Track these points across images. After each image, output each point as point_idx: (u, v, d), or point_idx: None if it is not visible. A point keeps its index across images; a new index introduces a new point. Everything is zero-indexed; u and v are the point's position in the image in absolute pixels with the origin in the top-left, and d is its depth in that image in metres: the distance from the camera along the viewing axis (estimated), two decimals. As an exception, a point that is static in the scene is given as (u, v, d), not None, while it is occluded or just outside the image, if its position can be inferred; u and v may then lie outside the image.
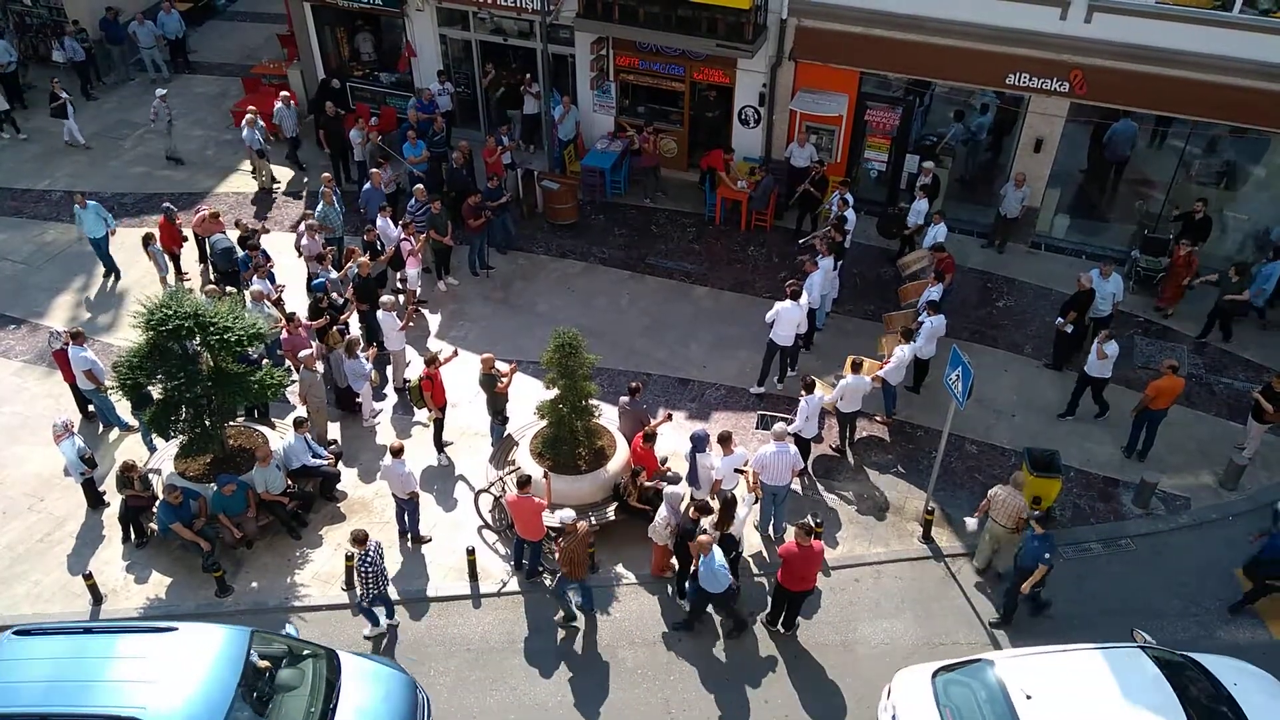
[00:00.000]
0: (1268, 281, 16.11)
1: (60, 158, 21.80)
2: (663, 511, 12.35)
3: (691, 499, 12.66)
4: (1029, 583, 11.84)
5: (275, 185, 20.78)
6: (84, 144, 21.97)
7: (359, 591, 12.12)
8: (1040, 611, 12.57)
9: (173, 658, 10.27)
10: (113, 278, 18.24)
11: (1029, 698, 10.11)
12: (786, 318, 14.92)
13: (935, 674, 10.87)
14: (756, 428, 15.13)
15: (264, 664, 10.55)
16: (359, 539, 11.84)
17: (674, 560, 12.69)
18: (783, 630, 12.47)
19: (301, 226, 17.19)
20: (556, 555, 12.22)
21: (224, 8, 28.04)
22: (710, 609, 12.43)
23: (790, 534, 11.74)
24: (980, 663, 10.82)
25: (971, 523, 13.35)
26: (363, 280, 15.88)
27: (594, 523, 13.18)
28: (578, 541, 11.85)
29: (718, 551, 11.58)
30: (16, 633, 10.74)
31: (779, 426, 13.12)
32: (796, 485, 14.31)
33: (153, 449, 14.57)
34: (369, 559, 11.76)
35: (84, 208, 17.56)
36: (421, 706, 11.13)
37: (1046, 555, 11.67)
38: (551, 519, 12.58)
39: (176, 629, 10.73)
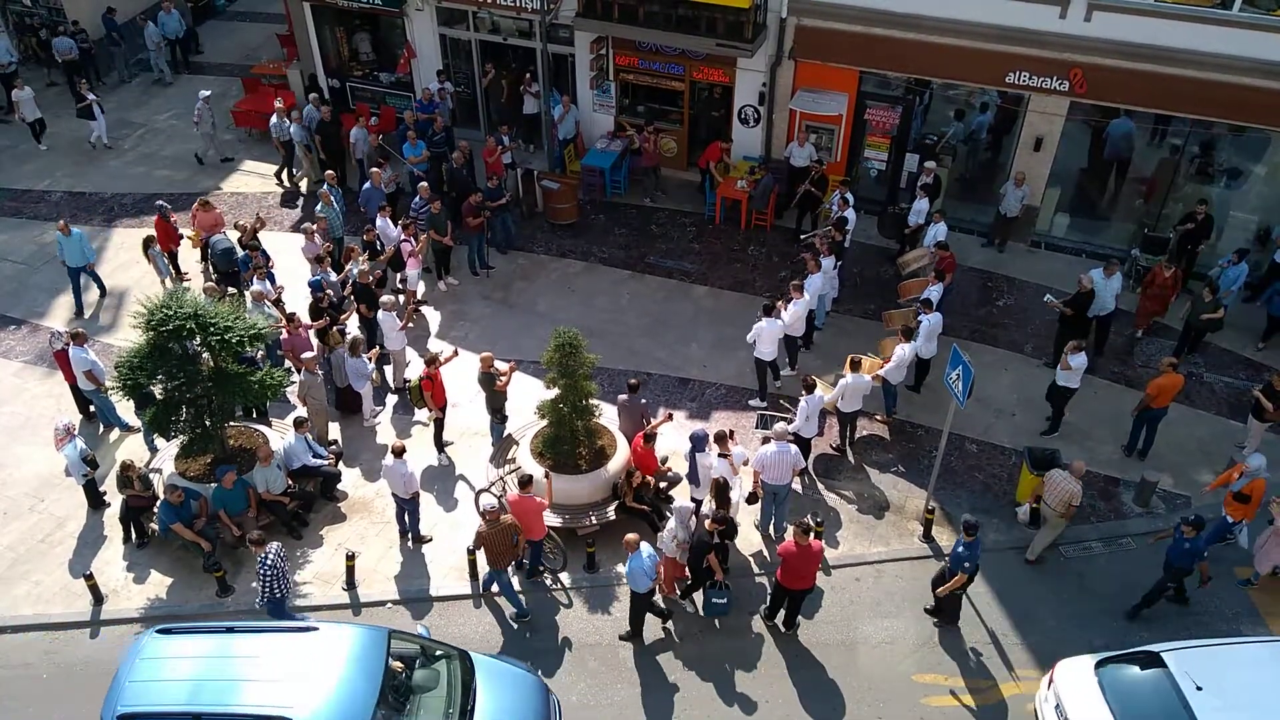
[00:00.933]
0: (1234, 284, 15.93)
1: (60, 158, 21.81)
2: (671, 524, 12.26)
3: (710, 513, 12.33)
4: (946, 588, 11.86)
5: (315, 182, 20.25)
6: (107, 145, 21.88)
7: (257, 593, 12.00)
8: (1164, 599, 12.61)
9: (315, 658, 10.25)
10: (75, 302, 17.50)
11: (1199, 689, 10.11)
12: (768, 334, 14.85)
13: (1098, 665, 10.92)
14: (756, 427, 15.13)
15: (399, 664, 10.52)
16: (257, 541, 11.83)
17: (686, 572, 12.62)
18: (784, 629, 12.49)
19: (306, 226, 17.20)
20: (474, 540, 12.21)
21: (223, 7, 28.02)
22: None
23: (790, 533, 11.75)
24: (1145, 654, 10.86)
25: (1022, 512, 13.45)
26: (363, 285, 15.84)
27: (594, 521, 13.22)
28: (499, 531, 11.82)
29: (645, 548, 11.61)
30: (160, 631, 10.76)
31: (779, 426, 13.12)
32: (797, 484, 14.31)
33: (154, 449, 14.58)
34: (268, 562, 11.66)
35: (67, 235, 16.78)
36: (554, 709, 11.04)
37: (966, 564, 11.62)
38: (550, 520, 12.59)
39: (317, 629, 10.77)
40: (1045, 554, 13.21)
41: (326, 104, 20.40)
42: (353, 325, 16.18)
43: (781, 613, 12.45)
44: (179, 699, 9.95)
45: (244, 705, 9.81)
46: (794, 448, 12.95)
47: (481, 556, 12.40)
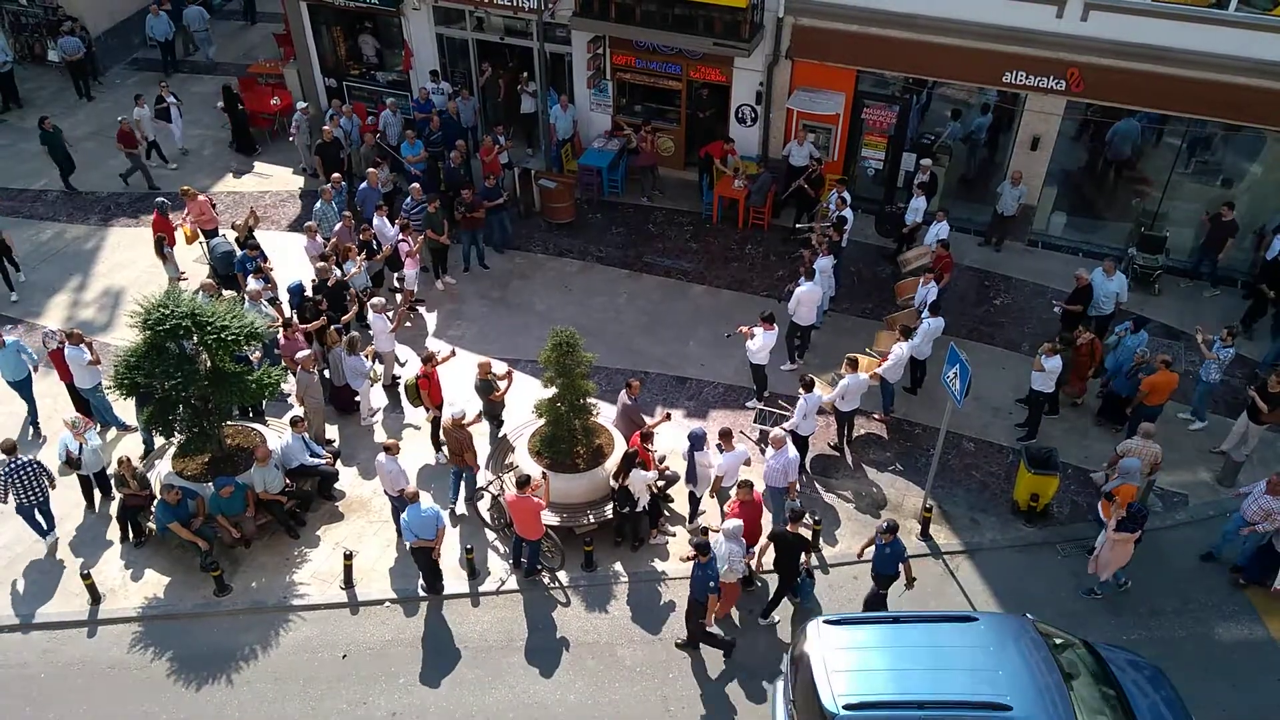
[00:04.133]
0: (1130, 354, 14.47)
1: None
2: (725, 548, 11.63)
3: (791, 508, 12.24)
4: (907, 582, 11.88)
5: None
6: (183, 150, 21.79)
7: (11, 501, 12.84)
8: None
9: (992, 646, 10.22)
10: (30, 417, 15.42)
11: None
12: (808, 299, 15.20)
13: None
14: (754, 422, 15.14)
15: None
16: (7, 449, 12.63)
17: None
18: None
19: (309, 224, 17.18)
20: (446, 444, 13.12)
21: (219, 6, 27.99)
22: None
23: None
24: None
25: (1099, 477, 13.63)
26: (329, 288, 15.78)
27: (591, 520, 13.21)
28: (455, 428, 12.95)
29: (425, 499, 12.19)
30: (827, 622, 10.71)
31: (777, 432, 13.00)
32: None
33: (152, 448, 14.55)
34: (14, 465, 12.26)
35: (1, 347, 14.55)
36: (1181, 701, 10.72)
37: (906, 553, 11.69)
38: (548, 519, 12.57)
39: (977, 619, 10.85)
40: (1043, 552, 13.25)
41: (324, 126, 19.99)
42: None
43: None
44: (895, 688, 9.88)
45: (960, 693, 9.75)
46: (792, 452, 12.89)
47: (483, 555, 12.38)
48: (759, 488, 12.68)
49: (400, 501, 13.21)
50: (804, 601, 12.56)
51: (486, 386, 14.19)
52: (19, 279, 18.04)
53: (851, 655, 10.20)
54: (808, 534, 12.38)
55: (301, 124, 20.41)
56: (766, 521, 12.89)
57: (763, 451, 14.18)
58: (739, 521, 11.85)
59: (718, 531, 12.03)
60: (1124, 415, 14.62)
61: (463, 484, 13.89)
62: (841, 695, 9.70)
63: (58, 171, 20.51)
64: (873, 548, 11.98)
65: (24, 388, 15.07)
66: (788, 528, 11.90)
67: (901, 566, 11.82)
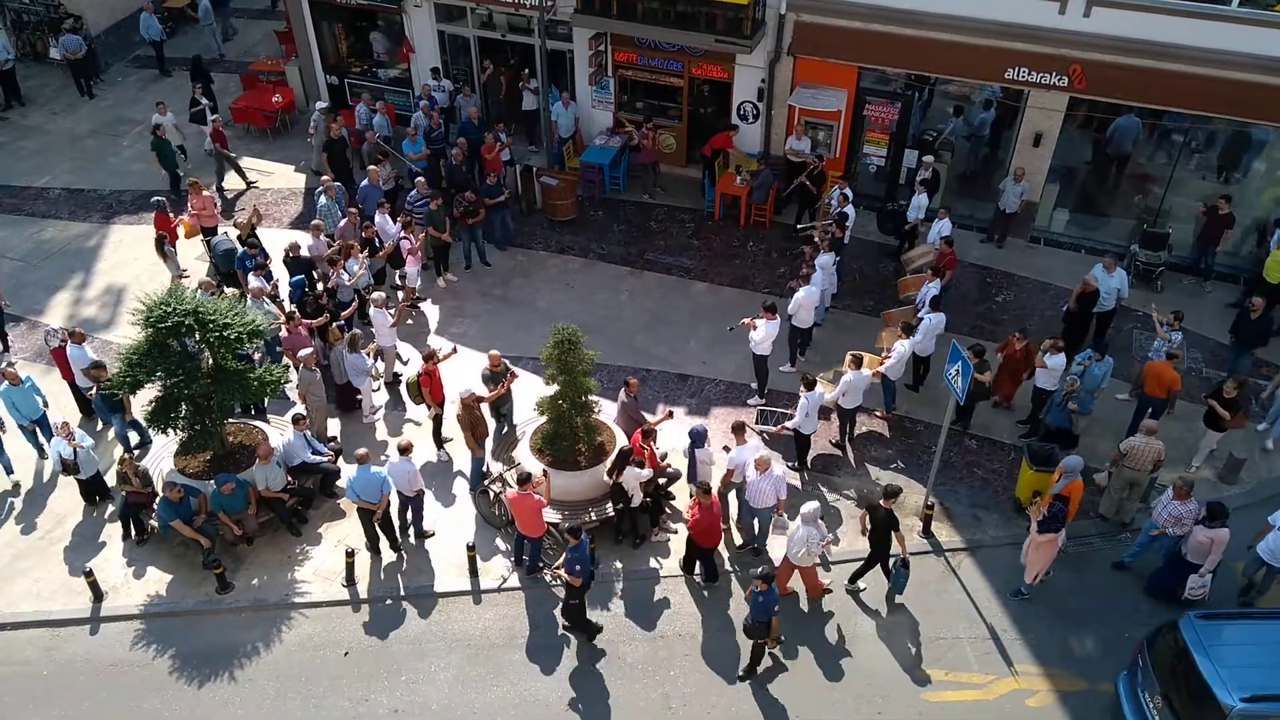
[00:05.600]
0: (1099, 384, 14.20)
1: (58, 155, 21.78)
2: (803, 532, 11.90)
3: (884, 489, 12.37)
4: (772, 638, 11.54)
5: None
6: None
7: None
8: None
9: None
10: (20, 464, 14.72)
11: None
12: (807, 302, 15.21)
13: None
14: (755, 422, 15.12)
15: None
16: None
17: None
18: (701, 581, 12.92)
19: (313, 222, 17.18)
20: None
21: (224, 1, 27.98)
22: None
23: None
24: None
25: (1102, 477, 13.61)
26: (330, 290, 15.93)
27: (593, 518, 13.22)
28: (464, 411, 13.13)
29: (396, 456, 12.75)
30: (1199, 616, 11.00)
31: (763, 455, 12.72)
32: (796, 480, 14.34)
33: (130, 449, 14.44)
34: None
35: (17, 385, 14.01)
36: None
37: (777, 608, 11.29)
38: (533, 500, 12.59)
39: None
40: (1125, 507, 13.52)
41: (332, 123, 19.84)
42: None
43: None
44: None
45: None
46: (778, 470, 12.78)
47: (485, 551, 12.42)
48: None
49: (414, 500, 13.27)
50: (896, 590, 12.71)
51: (496, 379, 14.20)
52: None
53: (1237, 650, 10.58)
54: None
55: (319, 124, 20.29)
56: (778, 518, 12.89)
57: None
58: (816, 504, 12.08)
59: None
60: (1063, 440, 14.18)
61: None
62: (1237, 688, 10.09)
63: (167, 178, 20.15)
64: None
65: (41, 426, 14.42)
66: (881, 502, 12.16)
67: (773, 621, 11.34)
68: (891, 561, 12.59)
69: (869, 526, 12.37)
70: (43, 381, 15.20)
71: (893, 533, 12.20)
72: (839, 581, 13.05)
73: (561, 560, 11.82)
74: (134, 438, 14.76)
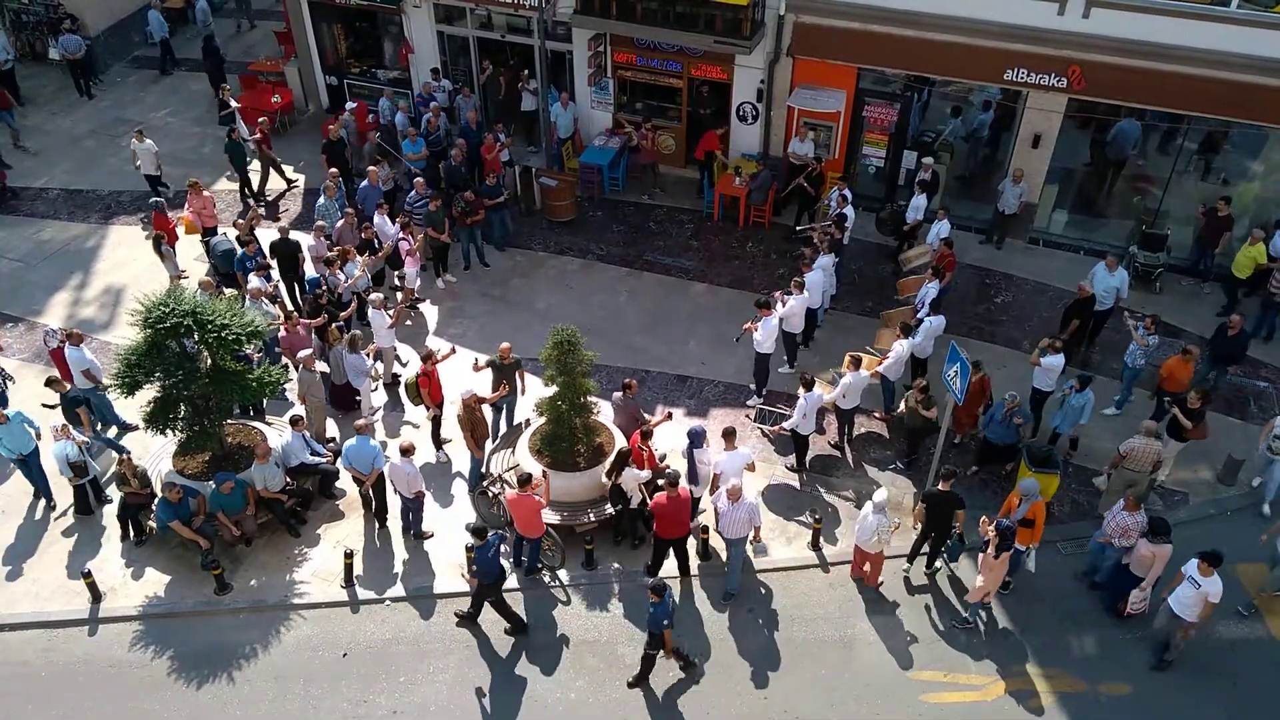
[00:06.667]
0: (1080, 418, 13.93)
1: (57, 155, 21.76)
2: (873, 519, 12.07)
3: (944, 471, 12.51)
4: (667, 649, 11.34)
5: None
6: (253, 150, 21.37)
7: None
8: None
9: None
10: (44, 502, 14.22)
11: None
12: (799, 308, 15.21)
13: None
14: (754, 421, 15.13)
15: None
16: None
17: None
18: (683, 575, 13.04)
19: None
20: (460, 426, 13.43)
21: (221, 3, 27.96)
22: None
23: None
24: None
25: (1101, 480, 13.65)
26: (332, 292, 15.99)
27: (592, 519, 13.21)
28: (464, 411, 13.25)
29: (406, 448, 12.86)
30: None
31: (734, 483, 12.22)
32: (794, 482, 14.34)
33: (120, 450, 14.31)
34: None
35: (4, 424, 13.27)
36: None
37: (665, 621, 11.03)
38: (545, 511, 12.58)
39: None
40: (1043, 550, 13.24)
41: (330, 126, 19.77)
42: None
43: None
44: None
45: None
46: (749, 501, 12.53)
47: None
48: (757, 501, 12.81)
49: (413, 502, 13.27)
50: (951, 560, 12.93)
51: (502, 369, 14.18)
52: None
53: None
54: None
55: (350, 125, 20.25)
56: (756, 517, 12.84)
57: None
58: (886, 492, 12.26)
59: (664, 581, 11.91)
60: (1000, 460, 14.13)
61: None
62: None
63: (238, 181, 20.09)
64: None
65: (31, 461, 13.70)
66: (940, 486, 12.32)
67: (664, 633, 11.15)
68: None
69: (925, 513, 12.51)
70: (41, 382, 15.18)
71: (956, 511, 12.37)
72: (835, 580, 13.03)
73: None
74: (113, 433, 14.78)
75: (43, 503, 14.12)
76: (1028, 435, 14.16)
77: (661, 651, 11.44)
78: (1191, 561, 11.37)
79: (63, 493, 14.01)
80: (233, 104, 21.11)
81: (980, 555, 12.08)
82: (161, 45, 24.64)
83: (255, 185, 20.23)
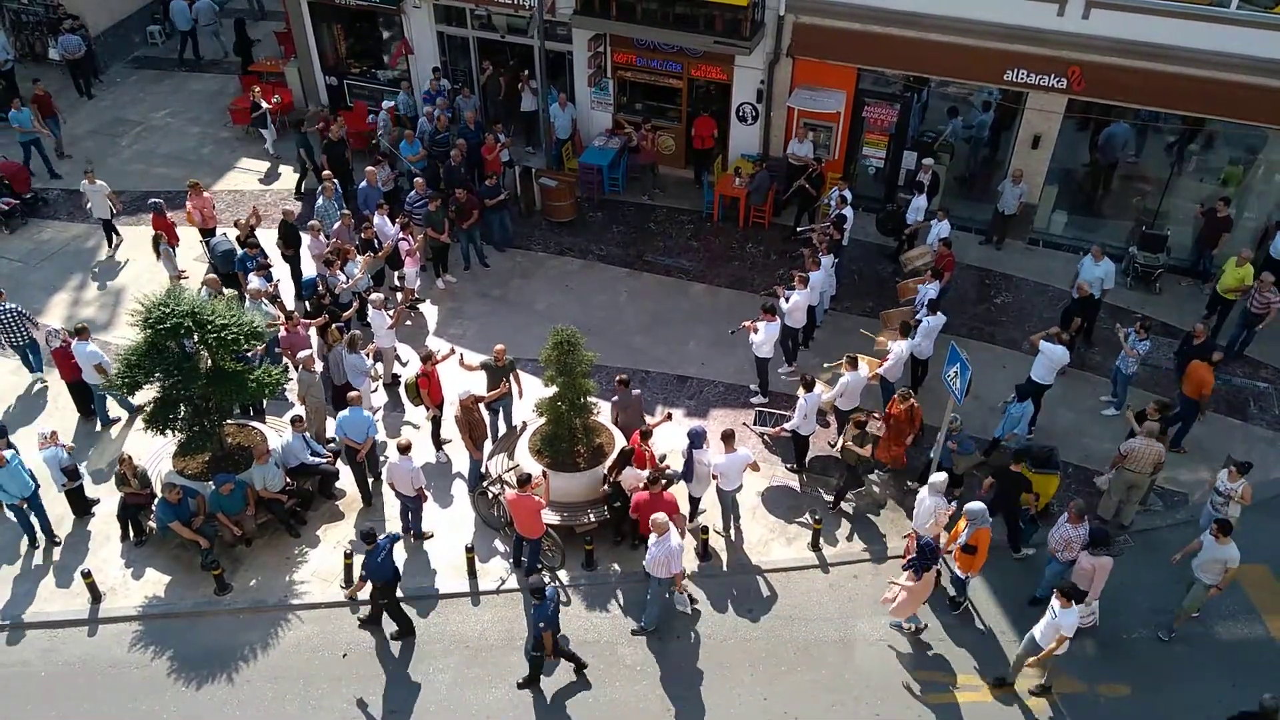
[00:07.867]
0: (1017, 426, 13.85)
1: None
2: (930, 503, 12.18)
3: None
4: (549, 651, 11.27)
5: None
6: (274, 155, 21.54)
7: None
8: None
9: None
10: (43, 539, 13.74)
11: None
12: (802, 304, 15.29)
13: None
14: (754, 423, 15.14)
15: None
16: None
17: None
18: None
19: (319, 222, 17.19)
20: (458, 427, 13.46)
21: (221, 4, 27.96)
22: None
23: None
24: None
25: (1103, 481, 13.64)
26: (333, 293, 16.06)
27: (592, 519, 13.21)
28: (462, 412, 13.28)
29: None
30: None
31: (657, 518, 11.69)
32: (794, 483, 14.34)
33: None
34: None
35: (2, 465, 12.81)
36: None
37: (541, 624, 11.02)
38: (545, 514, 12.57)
39: None
40: (1043, 551, 13.22)
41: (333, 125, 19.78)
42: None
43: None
44: None
45: None
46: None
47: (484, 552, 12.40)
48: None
49: (413, 501, 13.26)
50: (1024, 542, 13.12)
51: (498, 372, 14.17)
52: None
53: None
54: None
55: (386, 124, 20.22)
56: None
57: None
58: (944, 476, 12.29)
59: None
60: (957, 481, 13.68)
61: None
62: None
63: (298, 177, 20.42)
64: None
65: (33, 503, 13.32)
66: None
67: (543, 635, 11.09)
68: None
69: (995, 492, 12.56)
70: (41, 380, 15.20)
71: (1023, 494, 12.52)
72: (835, 581, 13.03)
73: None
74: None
75: (43, 500, 14.07)
76: (962, 465, 13.62)
77: (545, 653, 11.36)
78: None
79: (56, 503, 13.86)
80: (264, 106, 21.07)
81: (904, 572, 11.80)
82: (182, 37, 24.63)
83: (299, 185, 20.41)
